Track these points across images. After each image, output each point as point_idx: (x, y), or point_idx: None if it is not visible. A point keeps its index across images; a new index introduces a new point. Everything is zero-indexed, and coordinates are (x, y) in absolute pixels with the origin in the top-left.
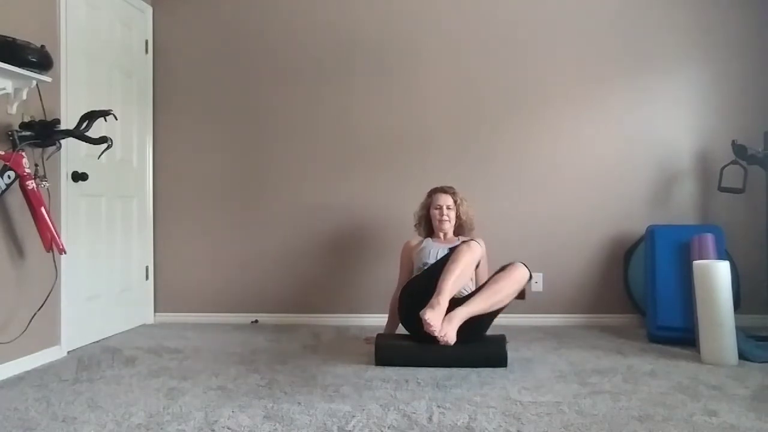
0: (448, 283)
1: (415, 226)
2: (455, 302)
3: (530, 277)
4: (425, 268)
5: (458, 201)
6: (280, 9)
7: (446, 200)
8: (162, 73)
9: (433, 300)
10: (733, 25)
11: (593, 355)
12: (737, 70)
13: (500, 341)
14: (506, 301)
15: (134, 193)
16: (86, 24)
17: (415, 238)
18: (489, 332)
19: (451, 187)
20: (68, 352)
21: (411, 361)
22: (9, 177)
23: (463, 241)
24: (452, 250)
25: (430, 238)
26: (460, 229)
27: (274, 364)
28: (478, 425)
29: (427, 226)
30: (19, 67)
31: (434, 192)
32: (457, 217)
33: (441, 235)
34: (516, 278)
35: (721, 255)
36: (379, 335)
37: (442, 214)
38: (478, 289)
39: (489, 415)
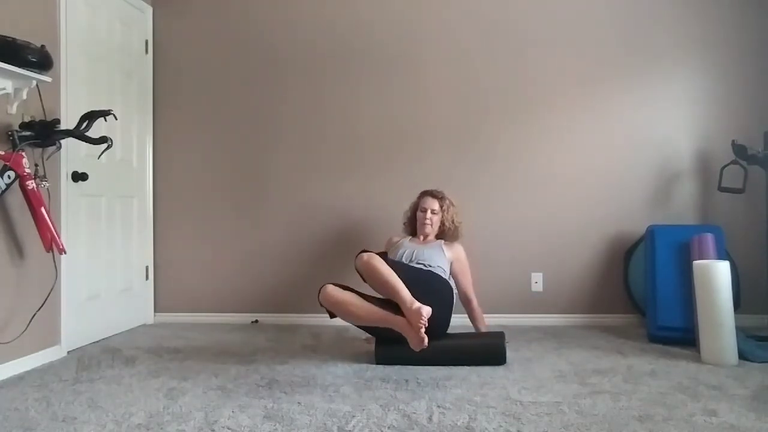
0: (402, 291)
1: (404, 224)
2: (388, 302)
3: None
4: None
5: (445, 207)
6: (281, 8)
7: (432, 204)
8: (162, 73)
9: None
10: (732, 26)
11: (593, 355)
12: (737, 71)
13: (499, 338)
14: (383, 264)
15: (134, 193)
16: (86, 24)
17: (397, 235)
18: (488, 330)
19: (440, 192)
20: (68, 352)
21: (411, 361)
22: (9, 177)
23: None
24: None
25: (408, 238)
26: (443, 234)
27: (274, 364)
28: (478, 425)
29: (413, 226)
30: (19, 67)
31: (423, 195)
32: (441, 223)
33: (421, 237)
34: (369, 256)
35: (721, 255)
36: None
37: (425, 218)
38: (382, 285)
39: (489, 415)
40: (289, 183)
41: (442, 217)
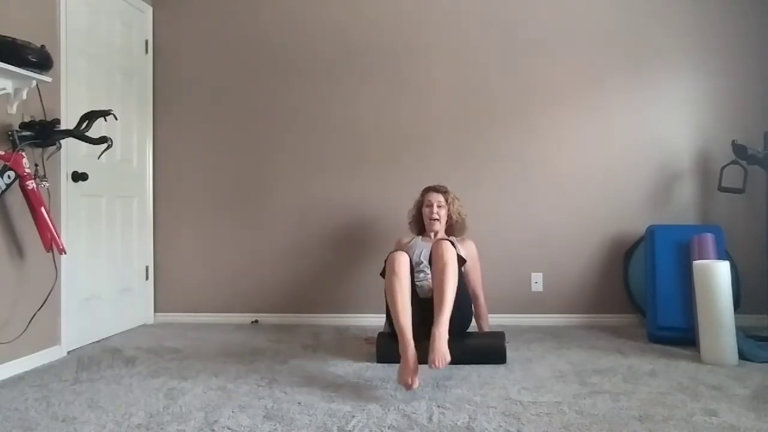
0: (444, 317)
1: (409, 224)
2: (428, 304)
3: (453, 244)
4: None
5: (450, 200)
6: (282, 8)
7: (437, 198)
8: (162, 73)
9: (430, 354)
10: (733, 26)
11: (593, 355)
12: (737, 71)
13: (499, 337)
14: (456, 280)
15: (134, 193)
16: (86, 24)
17: (406, 235)
18: (489, 330)
19: (443, 186)
20: (68, 352)
21: None
22: (9, 177)
23: (438, 240)
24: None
25: (420, 237)
26: (451, 229)
27: (274, 364)
28: (478, 425)
29: (419, 225)
30: (19, 67)
31: (427, 191)
32: (448, 216)
33: (431, 234)
34: (449, 260)
35: (721, 255)
36: (379, 334)
37: (432, 213)
38: (438, 292)
39: (489, 415)
40: (289, 183)
41: (449, 210)
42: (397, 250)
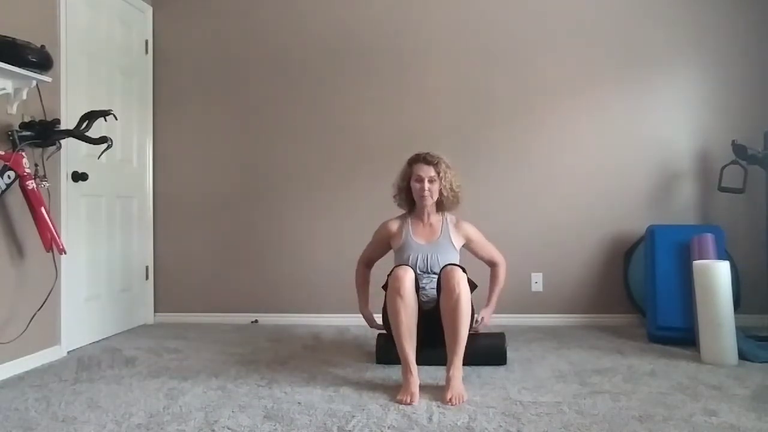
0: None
1: (394, 197)
2: (432, 314)
3: (464, 269)
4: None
5: (441, 173)
6: (282, 8)
7: (428, 172)
8: (162, 73)
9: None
10: (733, 26)
11: (593, 355)
12: (737, 71)
13: (499, 338)
14: (470, 313)
15: (134, 193)
16: (86, 24)
17: (394, 222)
18: (488, 330)
19: (434, 156)
20: (68, 352)
21: None
22: (9, 177)
23: (449, 269)
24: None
25: (410, 227)
26: (441, 204)
27: (274, 364)
28: (478, 425)
29: (408, 198)
30: (19, 67)
31: (416, 161)
32: (440, 192)
33: (424, 216)
34: (462, 292)
35: (721, 255)
36: (380, 334)
37: (423, 189)
38: (451, 331)
39: (489, 415)
40: (289, 183)
41: (440, 185)
42: (385, 241)
